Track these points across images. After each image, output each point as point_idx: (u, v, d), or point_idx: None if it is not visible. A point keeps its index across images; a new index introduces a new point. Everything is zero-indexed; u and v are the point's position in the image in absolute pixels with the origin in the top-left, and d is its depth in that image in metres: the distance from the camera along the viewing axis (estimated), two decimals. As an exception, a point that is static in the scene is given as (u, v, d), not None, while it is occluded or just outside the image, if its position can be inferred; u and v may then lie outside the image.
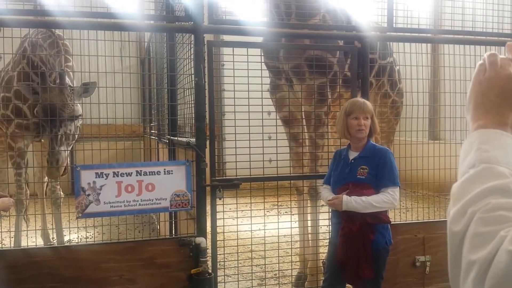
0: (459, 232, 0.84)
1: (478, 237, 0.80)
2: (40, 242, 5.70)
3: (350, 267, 3.24)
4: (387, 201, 3.16)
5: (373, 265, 3.19)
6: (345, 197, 3.17)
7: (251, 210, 3.96)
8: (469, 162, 0.94)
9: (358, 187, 3.21)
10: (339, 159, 3.42)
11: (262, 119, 3.91)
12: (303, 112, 4.50)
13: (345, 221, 3.26)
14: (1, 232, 5.45)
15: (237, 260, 4.34)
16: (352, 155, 3.34)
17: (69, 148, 4.61)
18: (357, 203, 3.15)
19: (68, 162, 4.53)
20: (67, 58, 5.07)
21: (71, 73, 5.08)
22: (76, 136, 4.65)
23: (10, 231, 5.11)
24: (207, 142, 3.76)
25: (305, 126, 4.55)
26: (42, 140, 5.41)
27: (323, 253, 4.95)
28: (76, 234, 6.10)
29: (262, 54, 4.27)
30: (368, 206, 3.14)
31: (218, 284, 3.89)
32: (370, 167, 3.21)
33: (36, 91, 4.40)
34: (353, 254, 3.21)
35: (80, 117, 4.61)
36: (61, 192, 5.36)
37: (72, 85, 4.75)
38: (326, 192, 3.45)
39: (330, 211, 3.74)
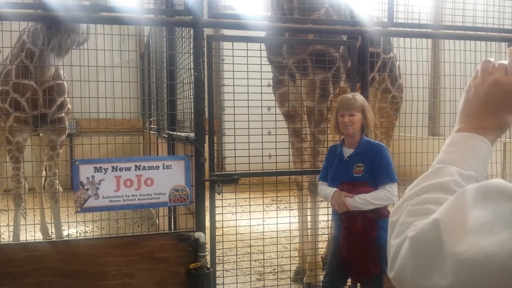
0: (394, 222, 0.91)
1: (401, 226, 0.88)
2: (39, 237, 5.70)
3: (357, 265, 3.24)
4: (385, 198, 3.17)
5: (379, 260, 3.20)
6: (349, 199, 3.19)
7: (250, 205, 3.95)
8: (433, 163, 1.00)
9: (354, 185, 3.21)
10: (334, 156, 3.41)
11: (262, 114, 3.90)
12: (304, 107, 4.48)
13: (347, 220, 3.25)
14: (0, 226, 5.47)
15: (236, 255, 4.34)
16: (347, 152, 3.32)
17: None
18: (356, 201, 3.17)
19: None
20: None
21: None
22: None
23: (9, 225, 5.11)
24: (206, 137, 3.75)
25: (306, 122, 4.54)
26: (41, 134, 5.40)
27: (322, 248, 4.96)
28: (75, 229, 6.09)
29: (265, 49, 4.23)
30: (366, 203, 3.16)
31: (217, 278, 3.90)
32: (366, 164, 3.21)
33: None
34: (359, 252, 3.21)
35: None
36: (59, 187, 5.35)
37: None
38: (324, 187, 3.43)
39: (329, 206, 3.73)
